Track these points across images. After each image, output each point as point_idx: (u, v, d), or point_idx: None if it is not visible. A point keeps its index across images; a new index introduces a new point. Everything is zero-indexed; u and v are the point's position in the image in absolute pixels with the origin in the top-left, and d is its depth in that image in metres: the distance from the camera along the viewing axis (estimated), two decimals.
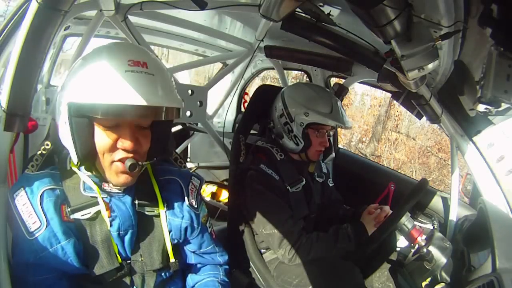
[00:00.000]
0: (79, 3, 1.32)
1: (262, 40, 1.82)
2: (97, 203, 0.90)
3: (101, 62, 0.80)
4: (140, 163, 0.86)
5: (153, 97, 0.78)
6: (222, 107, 2.58)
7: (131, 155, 0.85)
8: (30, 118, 0.92)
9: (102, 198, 0.90)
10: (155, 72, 0.82)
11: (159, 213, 0.98)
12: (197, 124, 2.44)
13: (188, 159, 2.98)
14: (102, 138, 0.83)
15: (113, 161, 0.85)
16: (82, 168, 0.90)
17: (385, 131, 8.94)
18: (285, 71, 2.33)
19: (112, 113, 0.78)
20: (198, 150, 3.00)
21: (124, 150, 0.84)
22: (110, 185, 0.91)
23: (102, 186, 0.91)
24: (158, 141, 0.92)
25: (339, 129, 1.73)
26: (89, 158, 0.86)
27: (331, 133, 1.59)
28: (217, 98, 2.55)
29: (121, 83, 0.77)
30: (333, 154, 1.66)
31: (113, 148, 0.84)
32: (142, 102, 0.76)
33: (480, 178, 1.37)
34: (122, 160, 0.85)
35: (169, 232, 0.99)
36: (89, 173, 0.90)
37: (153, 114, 0.82)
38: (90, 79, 0.79)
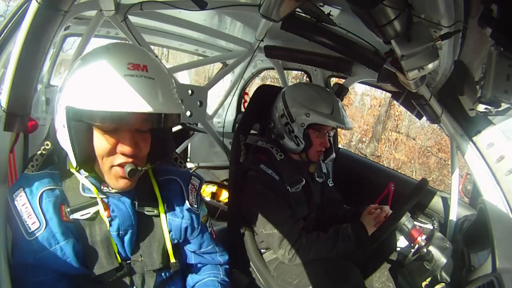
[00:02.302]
0: (79, 3, 1.32)
1: (262, 40, 1.81)
2: (96, 203, 0.90)
3: (100, 65, 0.78)
4: (139, 168, 0.86)
5: (152, 103, 0.76)
6: (222, 107, 2.58)
7: (130, 160, 0.84)
8: (30, 118, 0.92)
9: (101, 198, 0.90)
10: (155, 75, 0.80)
11: (159, 213, 0.98)
12: (197, 124, 2.44)
13: (188, 159, 2.99)
14: (101, 142, 0.83)
15: (112, 166, 0.85)
16: (81, 170, 0.89)
17: (385, 131, 8.94)
18: (285, 71, 2.33)
19: (110, 120, 0.77)
20: (198, 150, 3.00)
21: (124, 154, 0.83)
22: (110, 186, 0.91)
23: (101, 186, 0.91)
24: (158, 145, 0.92)
25: (339, 129, 1.72)
26: (88, 162, 0.85)
27: (332, 133, 1.59)
28: (217, 98, 2.55)
29: (120, 88, 0.75)
30: (334, 155, 1.65)
31: (112, 152, 0.84)
32: (142, 109, 0.75)
33: (480, 178, 1.37)
34: (121, 165, 0.84)
35: (169, 232, 0.99)
36: (88, 174, 0.90)
37: (152, 121, 0.81)
38: (88, 83, 0.77)
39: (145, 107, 0.75)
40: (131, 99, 0.75)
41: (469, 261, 1.07)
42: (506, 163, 1.29)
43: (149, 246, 0.97)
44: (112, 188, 0.90)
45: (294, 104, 1.50)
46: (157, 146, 0.91)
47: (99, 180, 0.90)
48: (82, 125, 0.80)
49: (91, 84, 0.77)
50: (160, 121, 0.81)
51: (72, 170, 0.91)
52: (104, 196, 0.91)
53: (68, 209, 0.88)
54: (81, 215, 0.89)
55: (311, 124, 1.47)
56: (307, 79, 2.35)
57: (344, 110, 1.55)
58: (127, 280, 0.95)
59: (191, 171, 1.15)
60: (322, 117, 1.46)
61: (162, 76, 0.83)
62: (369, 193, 1.92)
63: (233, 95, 2.61)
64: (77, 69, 0.82)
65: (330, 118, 1.47)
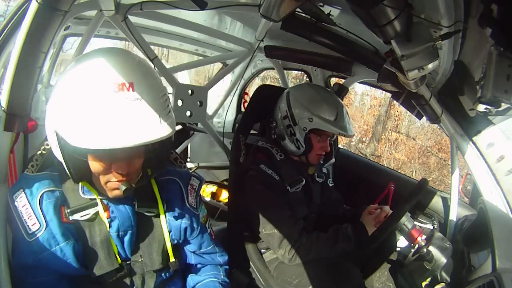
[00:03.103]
0: (79, 3, 1.32)
1: (262, 40, 1.81)
2: (96, 204, 0.90)
3: (84, 88, 0.74)
4: (133, 185, 0.87)
5: (140, 133, 0.74)
6: (222, 107, 2.58)
7: (125, 178, 0.85)
8: (30, 118, 0.92)
9: (101, 199, 0.91)
10: (143, 93, 0.76)
11: (158, 213, 0.98)
12: (197, 124, 2.44)
13: (188, 159, 2.98)
14: (95, 164, 0.83)
15: (108, 181, 0.86)
16: None
17: (385, 131, 8.94)
18: (285, 71, 2.33)
19: (99, 155, 0.79)
20: (198, 150, 3.00)
21: (118, 173, 0.84)
22: None
23: (100, 189, 0.91)
24: (153, 159, 0.93)
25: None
26: (84, 178, 0.87)
27: (334, 137, 1.58)
28: (217, 98, 2.55)
29: (105, 124, 0.72)
30: (333, 160, 1.65)
31: (107, 172, 0.84)
32: (130, 143, 0.73)
33: (480, 178, 1.37)
34: (117, 181, 0.85)
35: (169, 232, 1.00)
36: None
37: (142, 149, 0.82)
38: (72, 114, 0.74)
39: (133, 140, 0.73)
40: (117, 135, 0.72)
41: (469, 261, 1.07)
42: (506, 163, 1.29)
43: (149, 246, 0.97)
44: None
45: (298, 106, 1.49)
46: (152, 161, 0.93)
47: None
48: (75, 151, 0.79)
49: (76, 116, 0.74)
50: (149, 146, 0.82)
51: None
52: (104, 197, 0.92)
53: (68, 210, 0.88)
54: (81, 216, 0.89)
55: (313, 128, 1.47)
56: (307, 79, 2.35)
57: (348, 115, 1.53)
58: (127, 280, 0.96)
59: (191, 171, 1.15)
60: (325, 123, 1.45)
61: (149, 92, 0.78)
62: (369, 193, 1.92)
63: (233, 95, 2.61)
64: (61, 91, 0.78)
65: (333, 125, 1.45)
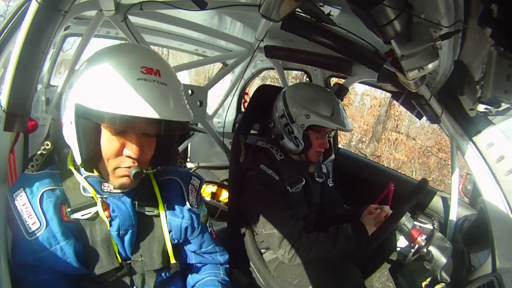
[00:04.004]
0: (79, 3, 1.32)
1: (262, 40, 1.82)
2: (96, 203, 0.90)
3: (113, 65, 0.78)
4: (144, 171, 0.87)
5: (163, 110, 0.77)
6: (222, 107, 2.58)
7: (135, 163, 0.85)
8: (30, 118, 0.92)
9: (102, 198, 0.91)
10: (168, 81, 0.81)
11: (159, 213, 0.98)
12: (197, 124, 2.44)
13: (188, 159, 2.98)
14: (108, 143, 0.83)
15: (117, 167, 0.86)
16: (82, 169, 0.90)
17: (385, 131, 8.94)
18: (285, 71, 2.33)
19: (120, 123, 0.78)
20: (198, 150, 3.00)
21: (129, 157, 0.84)
22: (110, 185, 0.91)
23: (102, 186, 0.91)
24: (163, 149, 0.93)
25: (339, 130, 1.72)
26: (93, 161, 0.85)
27: (331, 134, 1.59)
28: (217, 98, 2.55)
29: (132, 92, 0.75)
30: (333, 156, 1.65)
31: (118, 154, 0.84)
32: (153, 114, 0.75)
33: (480, 178, 1.37)
34: (126, 167, 0.85)
35: (169, 232, 1.00)
36: (88, 174, 0.90)
37: (162, 127, 0.82)
38: (100, 83, 0.77)
39: (156, 113, 0.75)
40: (142, 104, 0.75)
41: (469, 261, 1.07)
42: (506, 163, 1.29)
43: (149, 246, 0.97)
44: (114, 188, 0.90)
45: (294, 105, 1.50)
46: (162, 151, 0.92)
47: (99, 180, 0.90)
48: (91, 124, 0.80)
49: (103, 84, 0.77)
50: (169, 127, 0.83)
51: (72, 170, 0.91)
52: (105, 196, 0.92)
53: (69, 209, 0.88)
54: (81, 215, 0.89)
55: (311, 125, 1.47)
56: (307, 79, 2.35)
57: (345, 111, 1.55)
58: (127, 280, 0.95)
59: (191, 171, 1.15)
60: (322, 118, 1.46)
61: (174, 82, 0.83)
62: (369, 193, 1.92)
63: (233, 95, 2.61)
64: (89, 67, 0.81)
65: (330, 120, 1.46)
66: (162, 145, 0.92)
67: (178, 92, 0.84)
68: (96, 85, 0.77)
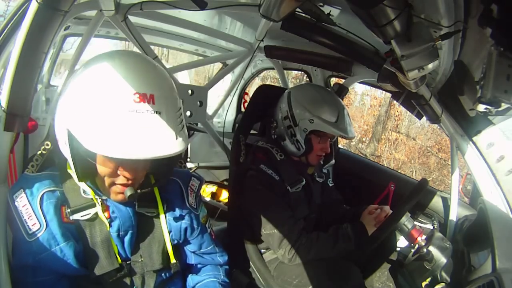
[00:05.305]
0: (79, 3, 1.32)
1: (262, 40, 1.81)
2: (96, 204, 0.90)
3: (105, 93, 0.75)
4: (139, 191, 0.88)
5: (153, 148, 0.75)
6: (222, 107, 2.58)
7: (130, 182, 0.86)
8: (30, 118, 0.92)
9: (101, 199, 0.91)
10: (162, 107, 0.77)
11: (158, 214, 0.98)
12: (197, 124, 2.44)
13: (188, 159, 2.98)
14: (103, 164, 0.84)
15: (113, 183, 0.87)
16: None
17: (385, 131, 8.93)
18: (285, 71, 2.33)
19: (110, 161, 0.80)
20: (198, 150, 3.00)
21: (125, 177, 0.85)
22: None
23: (103, 190, 0.91)
24: (162, 167, 0.94)
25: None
26: (89, 176, 0.87)
27: (334, 138, 1.58)
28: (217, 98, 2.55)
29: (122, 131, 0.73)
30: (333, 161, 1.65)
31: (113, 175, 0.85)
32: (141, 155, 0.74)
33: (480, 178, 1.37)
34: (122, 184, 0.86)
35: (169, 232, 1.00)
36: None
37: (153, 162, 0.84)
38: (89, 116, 0.74)
39: (144, 153, 0.74)
40: (130, 145, 0.73)
41: (469, 261, 1.07)
42: (506, 163, 1.29)
43: (149, 246, 0.97)
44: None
45: (299, 107, 1.49)
46: (162, 169, 0.94)
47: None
48: (84, 150, 0.78)
49: (93, 119, 0.74)
50: (158, 162, 0.82)
51: (71, 173, 0.91)
52: (104, 198, 0.92)
53: (69, 210, 0.88)
54: (81, 216, 0.89)
55: (313, 130, 1.46)
56: (307, 79, 2.35)
57: (349, 117, 1.53)
58: (127, 280, 0.96)
59: (191, 171, 1.15)
60: (326, 124, 1.44)
61: (168, 106, 0.80)
62: (369, 193, 1.92)
63: (233, 95, 2.61)
64: (80, 88, 0.78)
65: (333, 127, 1.45)
66: (162, 164, 0.91)
67: (173, 117, 0.80)
68: (86, 120, 0.75)
